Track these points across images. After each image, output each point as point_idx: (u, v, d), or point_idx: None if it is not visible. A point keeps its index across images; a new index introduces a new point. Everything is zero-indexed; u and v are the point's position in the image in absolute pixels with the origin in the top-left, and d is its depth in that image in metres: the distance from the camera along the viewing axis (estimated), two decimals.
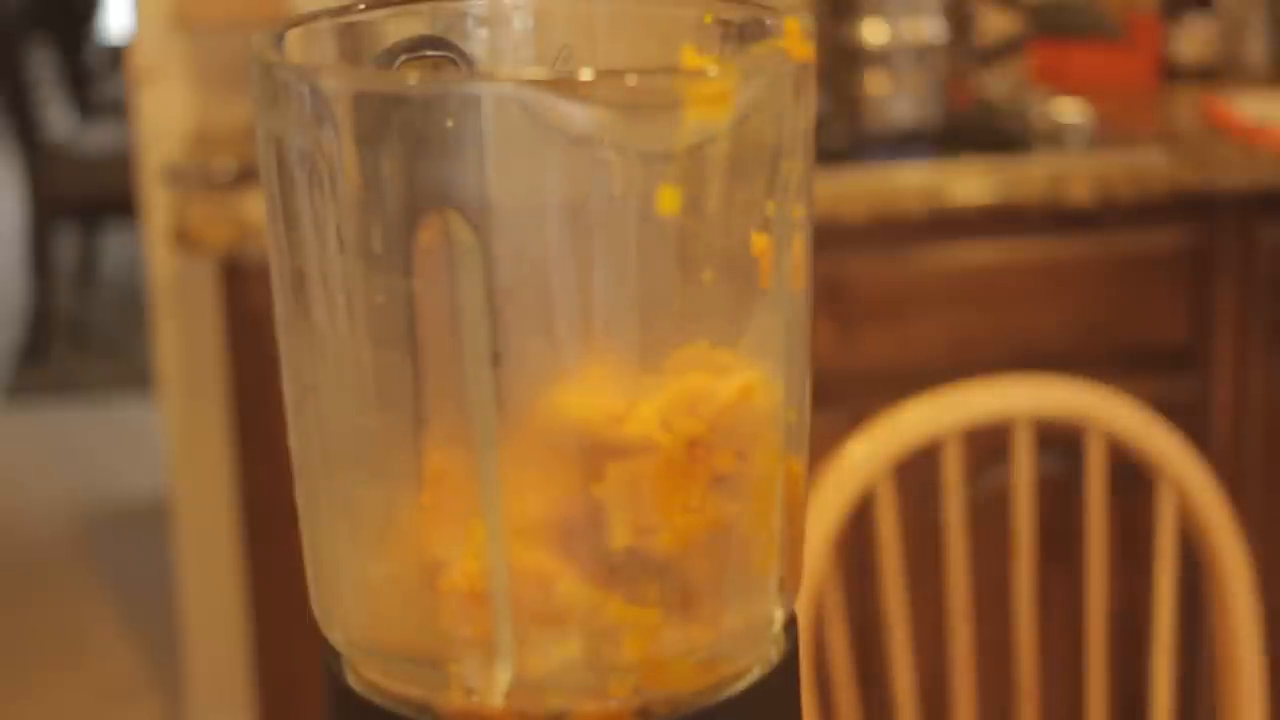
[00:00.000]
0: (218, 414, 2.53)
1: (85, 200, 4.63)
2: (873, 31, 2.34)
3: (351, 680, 0.55)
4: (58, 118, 4.82)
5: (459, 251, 0.50)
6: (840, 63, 2.35)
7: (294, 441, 0.56)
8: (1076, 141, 2.30)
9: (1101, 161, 2.24)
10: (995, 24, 2.48)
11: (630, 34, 0.61)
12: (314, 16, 0.57)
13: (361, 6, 0.58)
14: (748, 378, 0.53)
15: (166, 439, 2.66)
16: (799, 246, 0.55)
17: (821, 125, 0.56)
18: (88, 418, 4.28)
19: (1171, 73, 2.66)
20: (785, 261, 0.54)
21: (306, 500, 0.56)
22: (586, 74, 0.50)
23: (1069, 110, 2.33)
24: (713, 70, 0.52)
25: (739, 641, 0.54)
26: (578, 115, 0.49)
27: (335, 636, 0.56)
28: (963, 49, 2.45)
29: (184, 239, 2.11)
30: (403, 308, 0.51)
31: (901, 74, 2.34)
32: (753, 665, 0.55)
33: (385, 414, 0.53)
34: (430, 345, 0.51)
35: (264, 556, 2.18)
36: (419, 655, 0.53)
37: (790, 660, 0.56)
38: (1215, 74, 2.66)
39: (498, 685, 0.52)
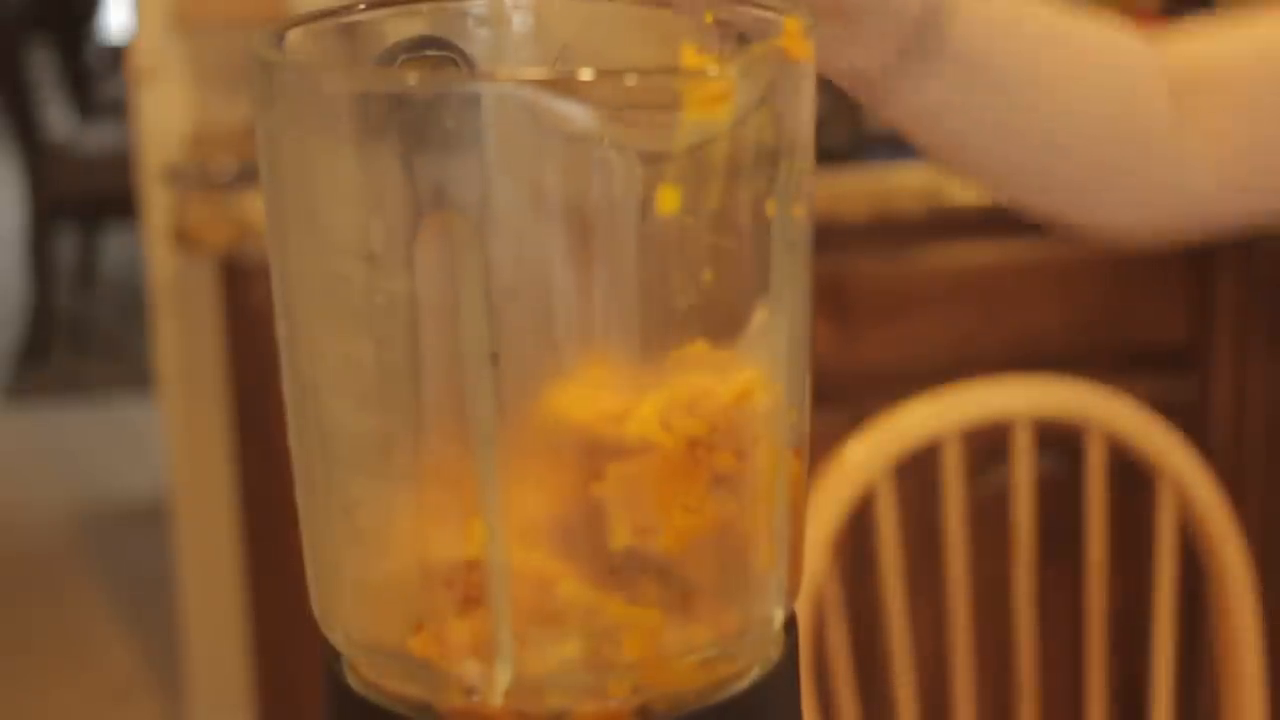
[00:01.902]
0: (218, 414, 2.53)
1: (85, 200, 4.63)
2: None
3: (351, 680, 0.55)
4: (58, 118, 4.82)
5: (459, 251, 0.50)
6: None
7: (294, 441, 0.56)
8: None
9: None
10: None
11: (630, 34, 0.61)
12: (314, 16, 0.57)
13: (361, 6, 0.58)
14: (748, 378, 0.53)
15: (166, 439, 2.66)
16: (799, 247, 0.55)
17: (821, 125, 0.56)
18: (88, 418, 4.28)
19: None
20: (785, 261, 0.54)
21: (306, 500, 0.56)
22: (586, 74, 0.50)
23: None
24: (713, 70, 0.52)
25: (739, 641, 0.54)
26: (578, 115, 0.49)
27: (335, 636, 0.56)
28: None
29: (184, 239, 2.11)
30: (403, 308, 0.51)
31: None
32: (753, 665, 0.55)
33: (385, 414, 0.53)
34: (430, 345, 0.51)
35: (264, 556, 2.19)
36: (419, 655, 0.53)
37: (790, 660, 0.56)
38: None
39: (498, 685, 0.52)
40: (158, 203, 2.55)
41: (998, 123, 0.78)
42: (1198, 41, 0.86)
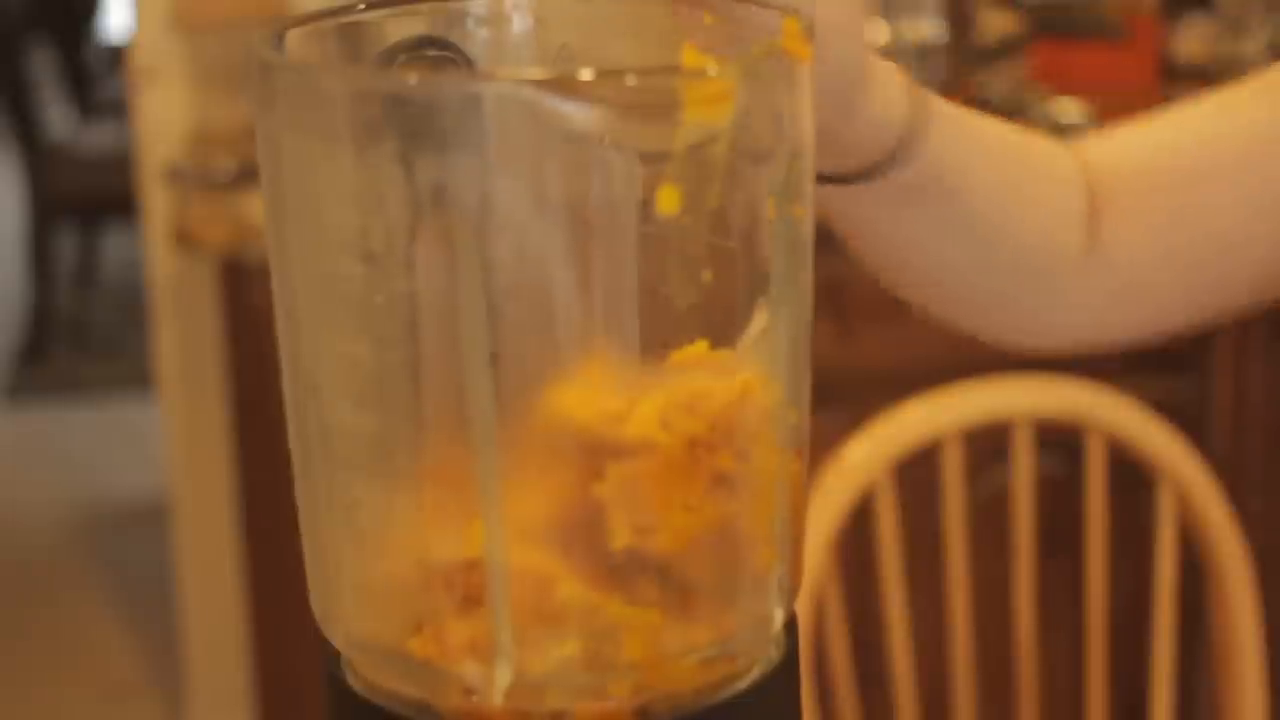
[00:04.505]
0: (218, 414, 2.53)
1: (85, 200, 4.63)
2: (873, 31, 2.34)
3: (351, 680, 0.55)
4: (58, 118, 4.82)
5: (459, 251, 0.50)
6: None
7: (294, 441, 0.56)
8: (1076, 141, 2.30)
9: None
10: (995, 24, 2.48)
11: (630, 34, 0.61)
12: (314, 16, 0.57)
13: (361, 6, 0.58)
14: (748, 378, 0.53)
15: (166, 439, 2.66)
16: (799, 247, 0.55)
17: None
18: (88, 418, 4.28)
19: (1171, 73, 2.66)
20: (785, 261, 0.54)
21: (306, 500, 0.56)
22: (586, 74, 0.50)
23: (1069, 110, 2.33)
24: (713, 70, 0.52)
25: (739, 641, 0.54)
26: (578, 115, 0.49)
27: (335, 636, 0.56)
28: (963, 49, 2.45)
29: (184, 239, 2.11)
30: (403, 308, 0.51)
31: None
32: (753, 665, 0.55)
33: (385, 414, 0.53)
34: (430, 345, 0.51)
35: (264, 556, 2.19)
36: (419, 655, 0.53)
37: (790, 660, 0.56)
38: (1215, 74, 2.66)
39: (498, 685, 0.52)
40: (158, 203, 2.55)
41: (937, 235, 0.78)
42: (1110, 146, 0.86)
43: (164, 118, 2.54)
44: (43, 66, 4.89)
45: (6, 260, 5.29)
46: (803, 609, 1.35)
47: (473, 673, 0.52)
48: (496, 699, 0.52)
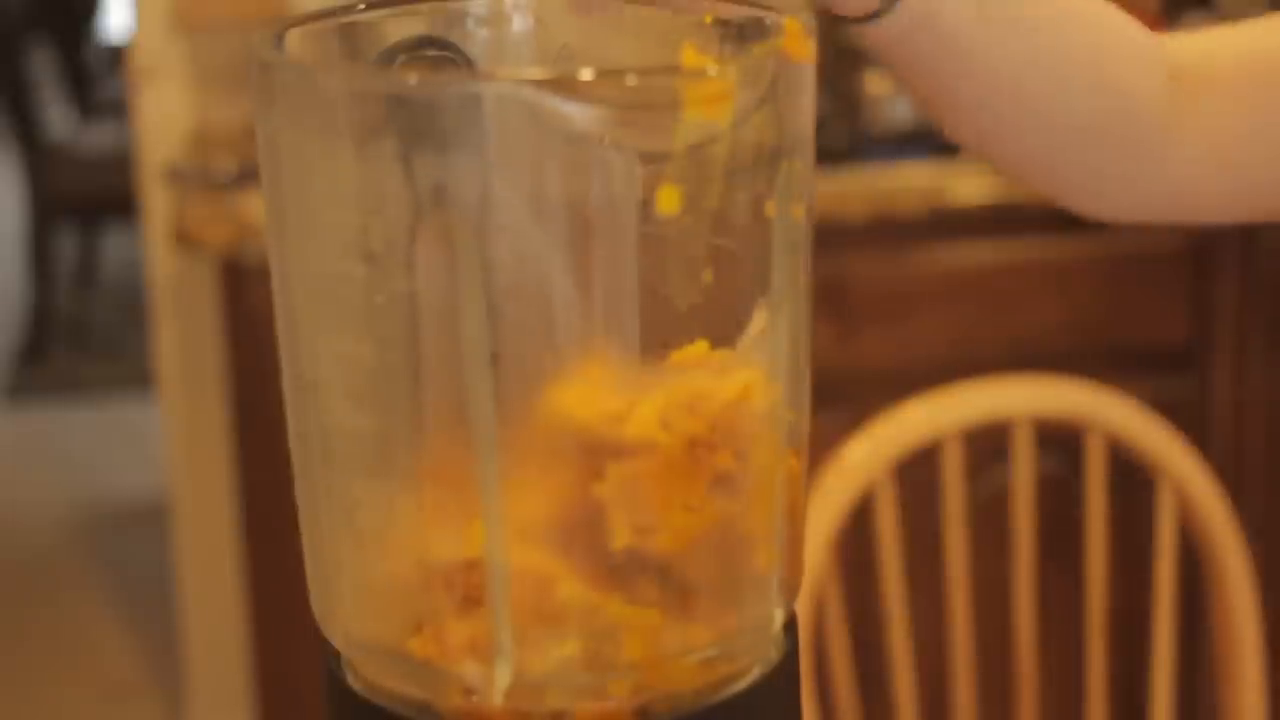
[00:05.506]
0: (218, 414, 2.53)
1: (85, 200, 4.63)
2: None
3: (351, 680, 0.55)
4: (58, 118, 4.82)
5: (459, 251, 0.50)
6: (840, 63, 2.35)
7: (294, 441, 0.56)
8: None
9: None
10: None
11: (630, 34, 0.61)
12: (314, 16, 0.57)
13: (361, 6, 0.58)
14: (748, 378, 0.53)
15: (166, 439, 2.66)
16: (799, 247, 0.55)
17: (821, 125, 0.56)
18: (88, 418, 4.28)
19: None
20: (785, 261, 0.54)
21: (306, 500, 0.56)
22: (586, 74, 0.50)
23: None
24: (713, 70, 0.52)
25: (739, 641, 0.55)
26: (578, 115, 0.49)
27: (335, 637, 0.56)
28: None
29: (184, 239, 2.11)
30: (403, 308, 0.51)
31: None
32: (753, 665, 0.55)
33: (385, 414, 0.53)
34: (430, 345, 0.51)
35: (264, 556, 2.19)
36: (419, 655, 0.53)
37: (790, 660, 0.56)
38: None
39: (498, 685, 0.52)
40: (158, 203, 2.55)
41: (1026, 66, 0.77)
42: (1195, 38, 0.87)
43: (164, 118, 2.54)
44: (43, 66, 4.89)
45: (6, 260, 5.29)
46: (803, 609, 1.35)
47: (473, 673, 0.52)
48: (496, 699, 0.52)
